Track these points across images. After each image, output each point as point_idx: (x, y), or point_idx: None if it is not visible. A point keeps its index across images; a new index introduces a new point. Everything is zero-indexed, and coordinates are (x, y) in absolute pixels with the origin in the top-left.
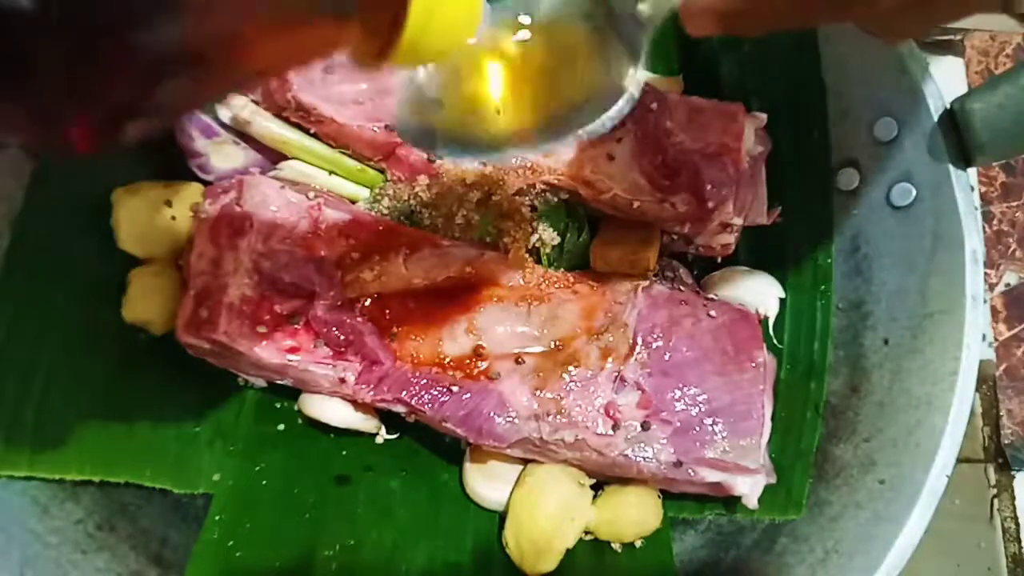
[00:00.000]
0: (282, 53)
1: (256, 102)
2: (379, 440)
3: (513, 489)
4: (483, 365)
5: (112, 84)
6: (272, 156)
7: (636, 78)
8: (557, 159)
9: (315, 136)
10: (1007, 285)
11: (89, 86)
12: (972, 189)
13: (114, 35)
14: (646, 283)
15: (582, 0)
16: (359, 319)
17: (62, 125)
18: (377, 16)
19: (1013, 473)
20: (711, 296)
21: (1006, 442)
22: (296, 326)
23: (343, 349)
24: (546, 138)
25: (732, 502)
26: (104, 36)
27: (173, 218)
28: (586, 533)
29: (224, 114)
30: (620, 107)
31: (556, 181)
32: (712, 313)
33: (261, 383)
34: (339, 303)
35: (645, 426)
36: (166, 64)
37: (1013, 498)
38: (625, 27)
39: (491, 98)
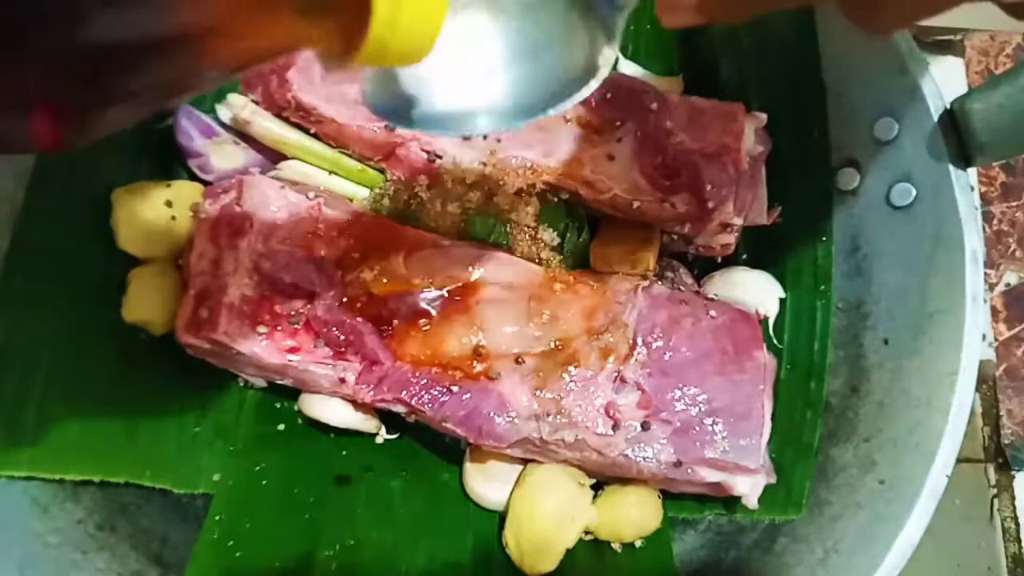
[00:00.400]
0: (248, 48)
1: (256, 102)
2: (379, 440)
3: (513, 489)
4: (483, 365)
5: (69, 76)
6: (272, 156)
7: (609, 57)
8: (557, 160)
9: (315, 136)
10: (1007, 285)
11: (46, 77)
12: (972, 189)
13: (73, 24)
14: (646, 283)
15: None
16: (359, 319)
17: (22, 119)
18: (345, 13)
19: (1013, 473)
20: (711, 296)
21: (1006, 442)
22: (296, 326)
23: (343, 349)
24: (517, 114)
25: (732, 502)
26: (62, 24)
27: (173, 218)
28: (586, 533)
29: (224, 114)
30: (590, 86)
31: (556, 181)
32: (712, 313)
33: (261, 383)
34: (339, 303)
35: (645, 426)
36: (127, 57)
37: (1013, 498)
38: (600, 9)
39: (462, 71)
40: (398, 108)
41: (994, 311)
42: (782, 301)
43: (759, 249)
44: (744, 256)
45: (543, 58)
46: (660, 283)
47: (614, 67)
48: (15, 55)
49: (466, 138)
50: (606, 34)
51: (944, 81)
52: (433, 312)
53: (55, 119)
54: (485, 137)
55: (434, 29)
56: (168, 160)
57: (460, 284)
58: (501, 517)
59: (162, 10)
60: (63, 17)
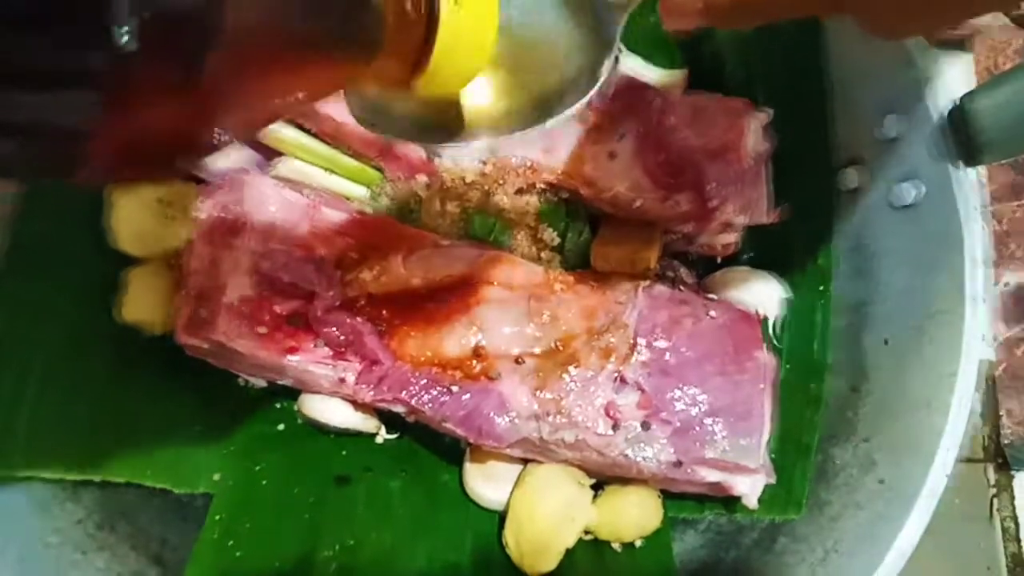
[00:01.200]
0: (316, 86)
1: None
2: (379, 440)
3: (513, 489)
4: (483, 365)
5: (176, 114)
6: (270, 154)
7: (608, 66)
8: (557, 158)
9: (313, 134)
10: (1007, 285)
11: (123, 129)
12: (975, 188)
13: (162, 81)
14: (647, 283)
15: None
16: (359, 319)
17: (77, 161)
18: (403, 48)
19: (1013, 473)
20: (712, 296)
21: (1006, 442)
22: (295, 326)
23: (343, 349)
24: (516, 123)
25: (732, 502)
26: (149, 81)
27: (171, 217)
28: (586, 533)
29: None
30: (589, 94)
31: (556, 180)
32: (713, 313)
33: (261, 383)
34: (338, 303)
35: (645, 426)
36: (206, 106)
37: (1013, 498)
38: (599, 13)
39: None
40: (389, 120)
41: (994, 311)
42: (783, 301)
43: (760, 249)
44: (745, 256)
45: (543, 68)
46: (661, 283)
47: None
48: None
49: None
50: (604, 41)
51: (949, 79)
52: (433, 312)
53: (112, 164)
54: None
55: (483, 59)
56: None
57: (460, 284)
58: (501, 517)
59: (241, 64)
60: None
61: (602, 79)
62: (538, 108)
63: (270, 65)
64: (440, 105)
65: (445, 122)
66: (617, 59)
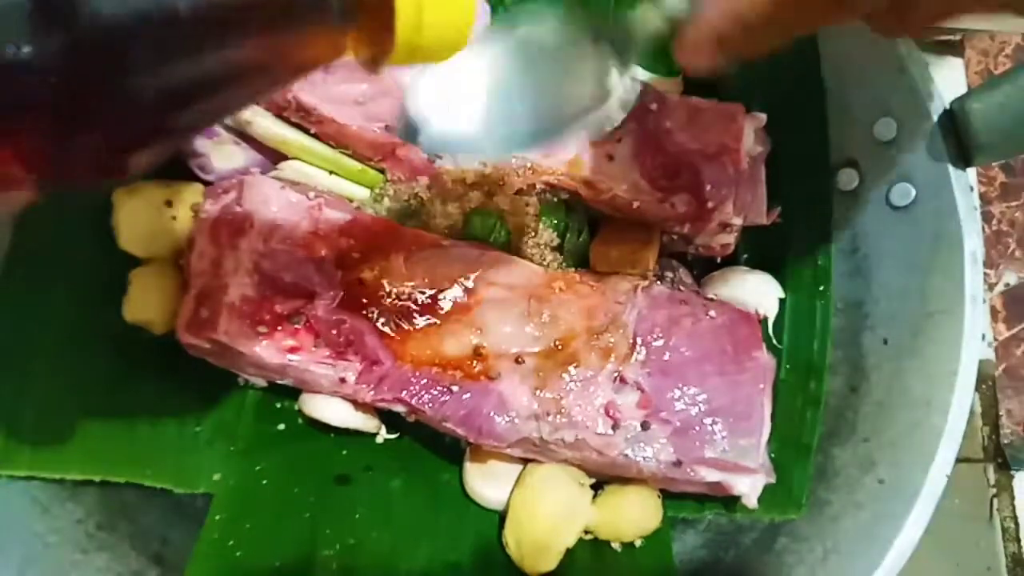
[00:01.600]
0: (289, 67)
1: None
2: (379, 440)
3: (513, 489)
4: (483, 365)
5: (120, 117)
6: (272, 156)
7: (624, 87)
8: (557, 159)
9: (315, 136)
10: (1007, 285)
11: (96, 120)
12: (972, 189)
13: (125, 74)
14: (646, 283)
15: (571, 17)
16: (359, 319)
17: (72, 161)
18: (373, 22)
19: (1012, 473)
20: (711, 296)
21: (1005, 442)
22: (296, 326)
23: (343, 349)
24: (538, 140)
25: (732, 502)
26: (113, 73)
27: (174, 218)
28: (586, 533)
29: None
30: (611, 114)
31: (556, 181)
32: (712, 313)
33: (261, 383)
34: (339, 303)
35: (645, 426)
36: (176, 95)
37: (1012, 498)
38: (615, 39)
39: (485, 100)
40: (429, 136)
41: (994, 311)
42: (782, 301)
43: (759, 249)
44: (744, 256)
45: (556, 87)
46: (660, 283)
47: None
48: (90, 103)
49: None
50: (621, 64)
51: (944, 81)
52: (433, 312)
53: (101, 163)
54: None
55: (462, 25)
56: (168, 160)
57: (460, 284)
58: (501, 517)
59: (218, 53)
60: (129, 67)
61: (614, 97)
62: (554, 126)
63: (242, 39)
64: (470, 122)
65: (474, 137)
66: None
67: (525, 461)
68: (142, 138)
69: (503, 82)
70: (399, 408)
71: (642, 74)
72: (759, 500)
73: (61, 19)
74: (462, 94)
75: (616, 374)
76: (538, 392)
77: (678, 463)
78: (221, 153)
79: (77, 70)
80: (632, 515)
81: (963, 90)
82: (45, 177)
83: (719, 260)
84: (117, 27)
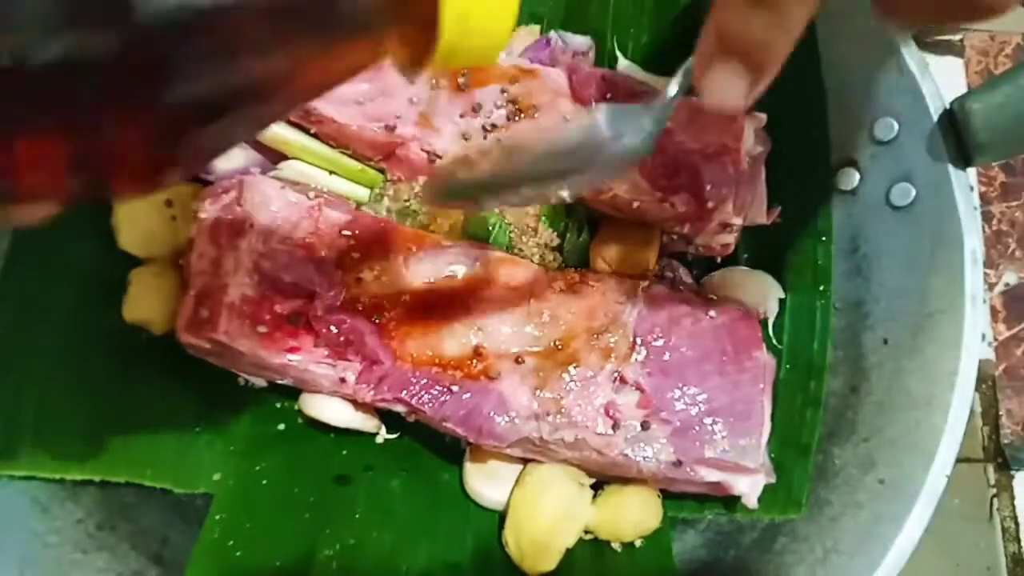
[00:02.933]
0: (332, 73)
1: None
2: (379, 440)
3: (513, 489)
4: (483, 365)
5: (156, 132)
6: (272, 156)
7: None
8: None
9: (315, 136)
10: (1007, 285)
11: (133, 135)
12: (972, 189)
13: (162, 84)
14: (646, 283)
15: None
16: (359, 319)
17: (106, 174)
18: (410, 26)
19: (1012, 473)
20: (711, 296)
21: (1005, 442)
22: (296, 326)
23: (343, 349)
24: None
25: (732, 502)
26: (151, 86)
27: (173, 218)
28: (586, 533)
29: None
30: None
31: None
32: (712, 313)
33: (261, 383)
34: (339, 303)
35: (645, 426)
36: (218, 107)
37: (1012, 498)
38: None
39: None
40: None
41: (994, 311)
42: (782, 301)
43: (759, 249)
44: (744, 256)
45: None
46: (660, 283)
47: (613, 67)
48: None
49: (466, 138)
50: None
51: (944, 81)
52: (433, 312)
53: (135, 176)
54: (486, 136)
55: (505, 25)
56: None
57: (460, 284)
58: (501, 517)
59: (259, 59)
60: (176, 69)
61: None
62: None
63: (288, 56)
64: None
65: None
66: (616, 58)
67: (525, 461)
68: (180, 146)
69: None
70: (399, 408)
71: (641, 72)
72: (759, 500)
73: (109, 16)
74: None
75: (616, 374)
76: (538, 392)
77: (678, 463)
78: None
79: (123, 70)
80: (632, 515)
81: (963, 90)
82: (75, 187)
83: (719, 260)
84: (170, 25)
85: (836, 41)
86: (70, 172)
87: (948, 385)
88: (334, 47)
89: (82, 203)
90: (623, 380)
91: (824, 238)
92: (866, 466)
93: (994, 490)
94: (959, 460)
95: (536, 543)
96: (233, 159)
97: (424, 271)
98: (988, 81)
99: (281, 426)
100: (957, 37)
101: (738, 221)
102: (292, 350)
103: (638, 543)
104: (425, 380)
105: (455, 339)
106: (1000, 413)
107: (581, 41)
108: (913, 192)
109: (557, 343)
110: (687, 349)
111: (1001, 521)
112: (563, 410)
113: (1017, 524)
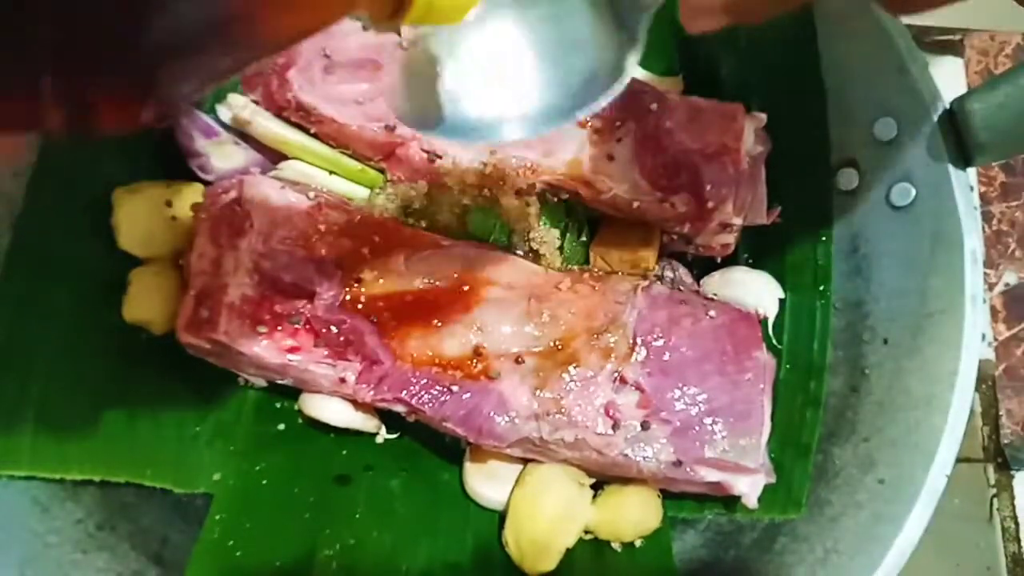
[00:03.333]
0: (301, 20)
1: (256, 102)
2: (379, 440)
3: (513, 489)
4: (483, 365)
5: (133, 61)
6: (272, 156)
7: (633, 60)
8: (557, 159)
9: (315, 136)
10: (1007, 285)
11: (110, 63)
12: (971, 189)
13: (134, 10)
14: (646, 283)
15: None
16: (359, 319)
17: (82, 107)
18: None
19: (1012, 473)
20: (711, 296)
21: (1005, 442)
22: (296, 326)
23: (343, 349)
24: (543, 119)
25: (732, 502)
26: (121, 12)
27: (173, 218)
28: (586, 533)
29: (224, 114)
30: (615, 88)
31: (556, 181)
32: (712, 313)
33: (261, 383)
34: (339, 303)
35: (645, 426)
36: (189, 39)
37: (1012, 498)
38: (624, 10)
39: (488, 77)
40: (427, 116)
41: (994, 311)
42: (782, 301)
43: (759, 249)
44: (744, 256)
45: (568, 63)
46: (660, 283)
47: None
48: (90, 51)
49: None
50: (629, 37)
51: (944, 81)
52: (433, 312)
53: (115, 110)
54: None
55: None
56: (168, 160)
57: (460, 284)
58: (501, 517)
59: None
60: (132, 10)
61: (627, 75)
62: (567, 104)
63: None
64: (472, 102)
65: (479, 119)
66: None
67: (525, 461)
68: (147, 86)
69: (509, 55)
70: (399, 408)
71: (642, 74)
72: (759, 500)
73: None
74: (470, 72)
75: (616, 374)
76: (538, 392)
77: (678, 463)
78: (221, 153)
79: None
80: (632, 515)
81: (963, 90)
82: (49, 123)
83: (719, 260)
84: None
85: (836, 41)
86: (51, 99)
87: (948, 385)
88: None
89: (61, 136)
90: (623, 380)
91: (824, 238)
92: (866, 466)
93: (994, 490)
94: (959, 460)
95: (536, 543)
96: (233, 159)
97: (424, 271)
98: (988, 81)
99: (281, 426)
100: (957, 37)
101: (738, 221)
102: (292, 350)
103: (638, 543)
104: (425, 380)
105: (455, 339)
106: (1000, 413)
107: None
108: (913, 192)
109: (557, 343)
110: (687, 349)
111: (1001, 521)
112: (563, 410)
113: (1017, 524)
